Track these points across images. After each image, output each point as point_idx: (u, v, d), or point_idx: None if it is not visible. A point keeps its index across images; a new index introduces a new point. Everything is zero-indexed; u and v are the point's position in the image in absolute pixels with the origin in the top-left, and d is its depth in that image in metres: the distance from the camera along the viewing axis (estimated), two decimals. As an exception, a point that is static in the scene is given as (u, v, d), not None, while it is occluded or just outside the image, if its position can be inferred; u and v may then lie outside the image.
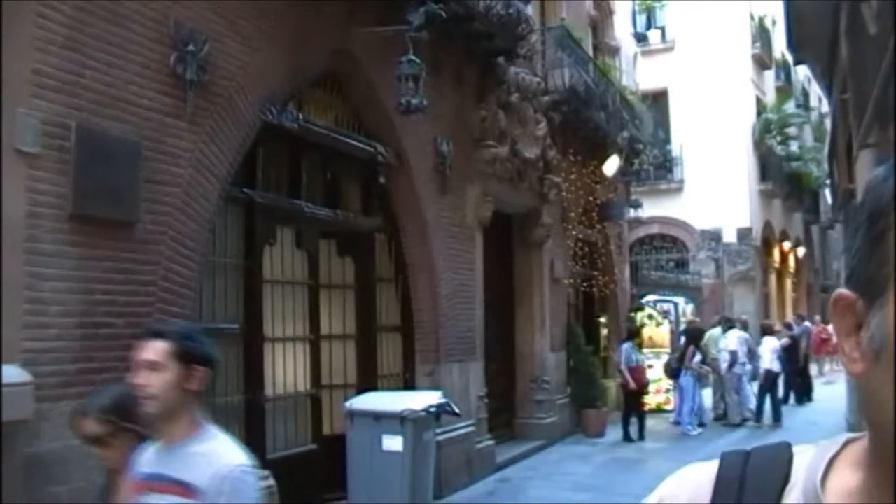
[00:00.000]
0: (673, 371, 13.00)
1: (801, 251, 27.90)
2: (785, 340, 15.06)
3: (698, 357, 12.88)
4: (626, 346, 12.41)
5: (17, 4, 4.14)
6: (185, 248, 5.21)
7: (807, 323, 20.52)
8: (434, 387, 7.97)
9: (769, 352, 13.50)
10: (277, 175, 6.71)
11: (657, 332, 14.74)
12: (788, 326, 17.32)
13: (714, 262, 22.07)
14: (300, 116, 6.55)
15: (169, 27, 5.10)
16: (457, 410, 6.86)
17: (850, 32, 6.18)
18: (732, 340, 13.41)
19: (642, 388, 12.42)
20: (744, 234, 22.17)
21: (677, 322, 15.27)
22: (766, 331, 14.49)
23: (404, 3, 7.17)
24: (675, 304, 15.85)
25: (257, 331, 6.37)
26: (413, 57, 6.75)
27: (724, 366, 13.24)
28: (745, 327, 14.69)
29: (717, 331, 14.09)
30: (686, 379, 12.66)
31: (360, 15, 7.19)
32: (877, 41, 4.18)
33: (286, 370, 7.05)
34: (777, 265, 25.75)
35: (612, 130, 13.54)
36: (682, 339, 13.64)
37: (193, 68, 5.22)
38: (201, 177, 5.37)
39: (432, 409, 6.32)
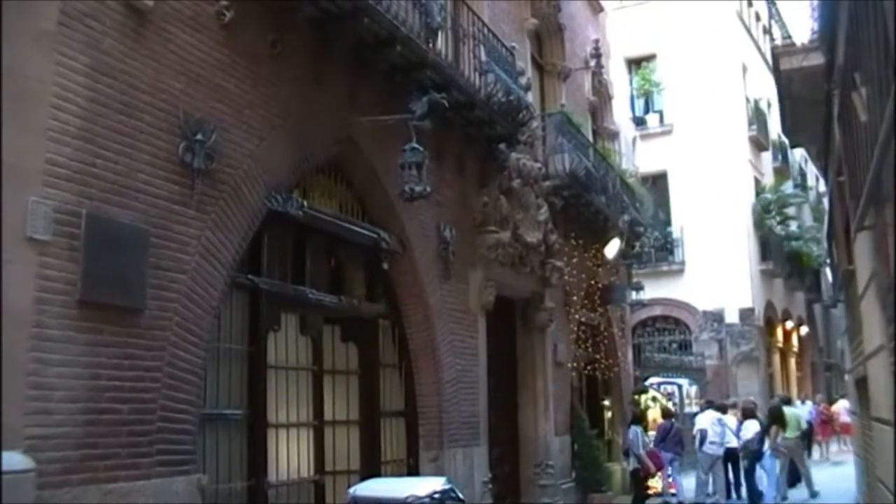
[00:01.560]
0: (754, 453, 12.59)
1: (804, 330, 27.77)
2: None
3: (781, 436, 12.73)
4: (634, 430, 12.23)
5: (35, 93, 4.27)
6: (191, 334, 5.21)
7: (808, 402, 20.24)
8: (438, 472, 7.87)
9: (752, 434, 12.80)
10: (282, 261, 6.75)
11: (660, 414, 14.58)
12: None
13: (717, 343, 21.89)
14: (305, 203, 6.64)
15: (179, 118, 5.23)
16: (462, 496, 6.73)
17: (843, 119, 6.32)
18: (704, 420, 12.94)
19: (654, 471, 12.29)
20: (746, 314, 22.05)
21: (681, 404, 15.11)
22: (748, 413, 13.38)
23: (407, 92, 7.37)
24: (679, 386, 15.74)
25: (261, 416, 6.31)
26: (416, 145, 6.89)
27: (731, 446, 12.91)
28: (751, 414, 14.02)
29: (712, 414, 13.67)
30: (769, 460, 12.57)
31: (364, 104, 7.36)
32: (868, 128, 4.28)
33: (290, 456, 6.95)
34: (780, 345, 25.55)
35: (612, 214, 13.68)
36: (740, 420, 13.35)
37: (201, 157, 5.33)
38: (207, 263, 5.41)
39: (437, 496, 6.20)
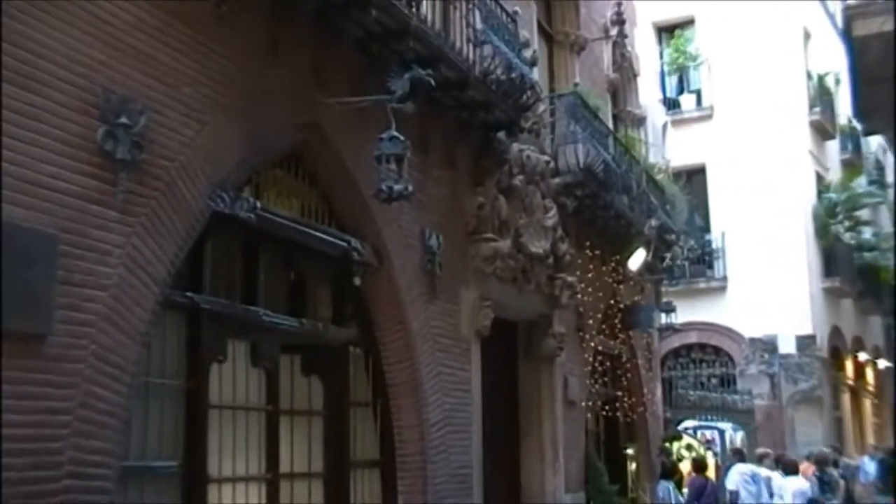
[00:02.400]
0: None
1: (882, 364, 27.04)
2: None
3: None
4: (664, 486, 12.19)
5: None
6: (111, 366, 5.14)
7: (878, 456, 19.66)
8: (421, 539, 7.83)
9: (791, 497, 12.00)
10: (229, 276, 6.72)
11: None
12: (832, 462, 15.62)
13: (768, 378, 21.71)
14: (257, 204, 6.60)
15: (97, 95, 5.17)
16: (450, 570, 6.69)
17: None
18: (734, 477, 12.57)
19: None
20: (805, 343, 21.70)
21: (723, 454, 15.07)
22: (789, 468, 12.75)
23: (385, 67, 7.35)
24: (721, 432, 15.69)
25: (200, 469, 6.25)
26: (395, 133, 6.85)
27: None
28: (825, 463, 13.70)
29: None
30: None
31: (331, 81, 7.35)
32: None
33: (235, 519, 6.88)
34: (851, 382, 24.97)
35: (637, 218, 13.74)
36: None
37: (126, 145, 5.27)
38: (134, 278, 5.35)
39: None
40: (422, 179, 8.63)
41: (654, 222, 14.28)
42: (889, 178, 28.24)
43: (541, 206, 11.05)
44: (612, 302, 13.70)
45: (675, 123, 21.12)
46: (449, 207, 9.33)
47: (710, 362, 22.30)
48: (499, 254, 9.80)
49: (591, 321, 12.77)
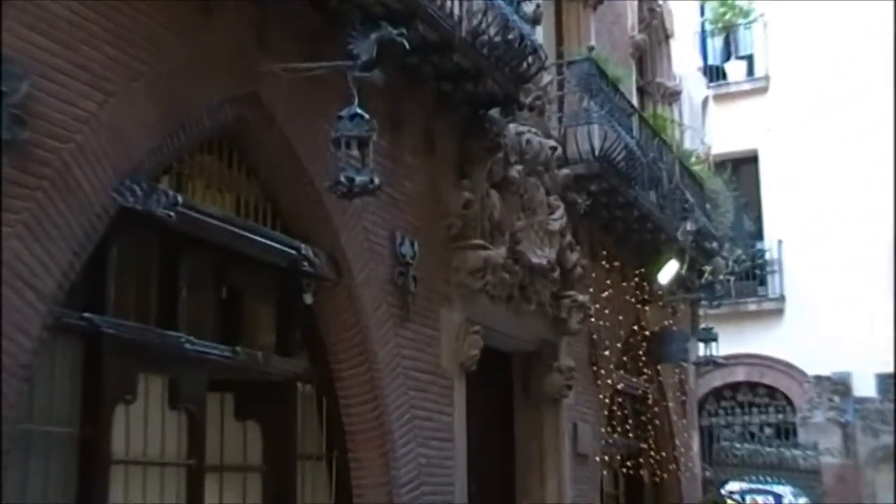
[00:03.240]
0: None
1: None
2: None
3: None
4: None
5: None
6: (-16, 407, 5.11)
7: None
8: None
9: None
10: (141, 291, 6.71)
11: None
12: None
13: (840, 428, 21.23)
14: (179, 199, 6.57)
15: (-34, 55, 5.15)
16: None
17: None
18: None
19: None
20: (889, 384, 21.13)
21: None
22: None
23: (345, 26, 7.35)
24: (778, 498, 15.68)
25: (99, 542, 6.21)
26: (358, 110, 6.85)
27: None
28: None
29: None
30: None
31: (278, 43, 7.37)
32: None
33: None
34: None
35: (667, 221, 13.84)
36: None
37: (4, 120, 5.25)
38: (13, 294, 5.32)
39: None
40: (392, 169, 8.66)
41: (689, 226, 14.35)
42: None
43: (544, 205, 11.11)
44: (635, 328, 13.74)
45: (720, 99, 21.22)
46: (427, 205, 9.37)
47: (762, 407, 22.36)
48: (490, 265, 9.82)
49: (608, 352, 12.82)
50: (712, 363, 16.75)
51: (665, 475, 14.50)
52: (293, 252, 7.75)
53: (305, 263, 7.84)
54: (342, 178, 6.86)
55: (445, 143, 9.70)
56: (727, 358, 18.19)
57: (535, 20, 10.13)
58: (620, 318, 13.18)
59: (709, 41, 24.01)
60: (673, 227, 13.96)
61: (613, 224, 12.94)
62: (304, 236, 7.90)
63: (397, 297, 8.80)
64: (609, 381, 12.91)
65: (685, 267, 14.34)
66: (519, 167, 10.58)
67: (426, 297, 9.19)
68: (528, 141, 10.82)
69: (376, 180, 6.97)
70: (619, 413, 13.34)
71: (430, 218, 9.39)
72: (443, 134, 9.65)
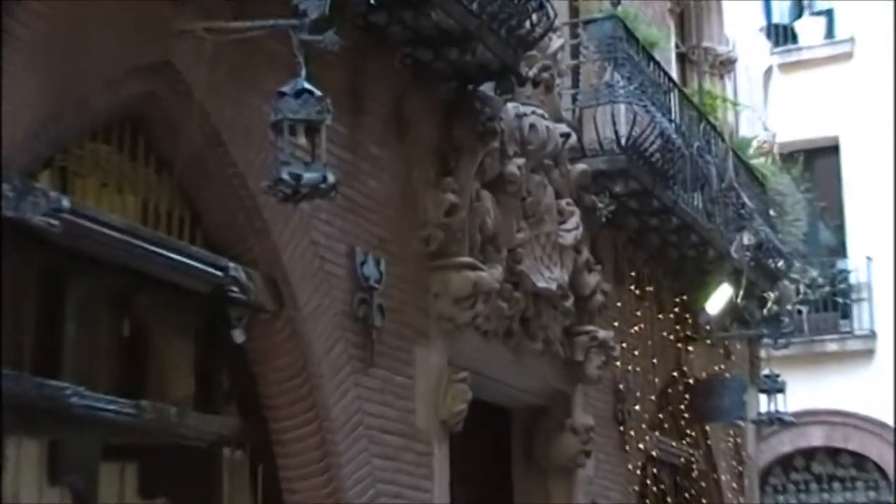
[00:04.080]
0: None
1: None
2: None
3: None
4: None
5: None
6: None
7: None
8: None
9: None
10: (14, 325, 6.70)
11: None
12: None
13: None
14: (64, 203, 6.59)
15: None
16: None
17: None
18: None
19: None
20: None
21: None
22: None
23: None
24: None
25: None
26: (307, 85, 6.89)
27: None
28: None
29: None
30: None
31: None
32: None
33: None
34: None
35: (718, 233, 13.88)
36: None
37: None
38: None
39: None
40: (352, 163, 8.73)
41: (747, 239, 14.37)
42: None
43: (553, 211, 11.19)
44: (675, 374, 13.75)
45: (789, 69, 21.28)
46: (398, 212, 9.44)
47: (847, 481, 22.30)
48: (482, 291, 9.84)
49: (638, 407, 12.86)
50: (779, 422, 16.75)
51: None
52: (218, 274, 7.73)
53: (235, 289, 7.82)
54: (285, 176, 6.88)
55: (422, 129, 9.76)
56: (799, 415, 18.13)
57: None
58: (655, 361, 13.18)
59: (772, -2, 24.06)
60: (725, 240, 13.97)
61: (645, 236, 12.96)
62: (233, 253, 7.92)
63: (358, 334, 8.83)
64: (640, 446, 12.93)
65: (741, 293, 14.34)
66: (520, 161, 10.63)
67: (396, 333, 9.23)
68: (533, 126, 10.86)
69: (330, 178, 6.98)
70: (653, 488, 13.29)
71: (401, 228, 9.44)
72: (419, 117, 9.71)
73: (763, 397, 15.92)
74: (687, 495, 14.29)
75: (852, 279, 22.46)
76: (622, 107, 11.96)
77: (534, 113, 10.93)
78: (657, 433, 13.42)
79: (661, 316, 13.30)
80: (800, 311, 19.58)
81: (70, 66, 6.57)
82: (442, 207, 9.70)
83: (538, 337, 10.93)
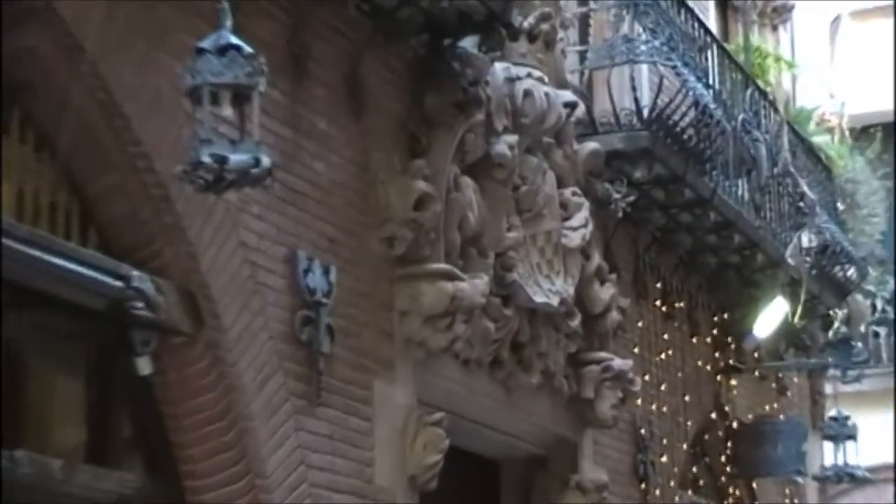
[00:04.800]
0: None
1: None
2: None
3: None
4: None
5: None
6: None
7: None
8: None
9: None
10: None
11: None
12: None
13: None
14: None
15: None
16: None
17: None
18: None
19: None
20: None
21: None
22: None
23: None
24: None
25: None
26: (235, 38, 6.91)
27: None
28: None
29: None
30: None
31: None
32: None
33: None
34: None
35: (769, 231, 13.90)
36: None
37: None
38: None
39: None
40: (293, 142, 8.75)
41: (808, 240, 14.43)
42: None
43: (555, 204, 11.23)
44: (713, 416, 13.75)
45: (862, 17, 21.31)
46: (352, 204, 9.47)
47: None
48: (461, 306, 9.86)
49: (665, 457, 12.92)
50: (849, 478, 16.76)
51: None
52: (117, 285, 7.70)
53: (139, 305, 7.78)
54: (205, 158, 6.88)
55: (385, 96, 9.80)
56: (874, 470, 18.21)
57: None
58: (687, 398, 13.21)
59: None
60: (778, 241, 14.01)
61: (675, 237, 12.99)
62: (136, 258, 7.93)
63: (300, 363, 8.85)
64: (669, 509, 13.03)
65: (800, 311, 14.37)
66: (511, 139, 10.63)
67: (351, 362, 9.26)
68: (528, 93, 10.87)
69: (265, 161, 7.01)
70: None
71: (357, 226, 9.48)
72: (380, 82, 9.74)
73: (828, 446, 15.93)
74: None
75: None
76: (644, 68, 12.01)
77: (529, 76, 10.93)
78: (690, 492, 13.46)
79: (695, 340, 13.33)
80: (876, 335, 19.63)
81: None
82: (410, 199, 9.70)
83: (535, 367, 10.94)
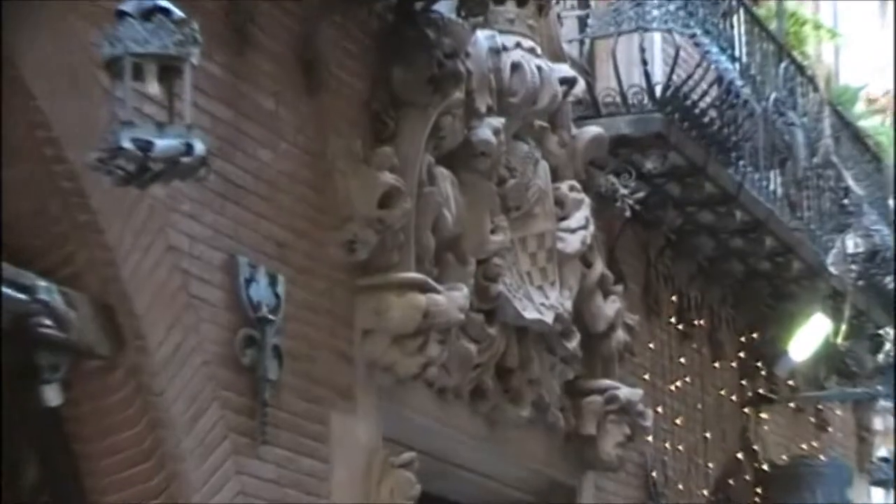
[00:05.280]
0: None
1: None
2: None
3: None
4: None
5: None
6: None
7: None
8: None
9: None
10: None
11: None
12: None
13: None
14: None
15: None
16: None
17: None
18: None
19: None
20: None
21: None
22: None
23: None
24: None
25: None
26: (161, 1, 6.91)
27: None
28: None
29: None
30: None
31: None
32: None
33: None
34: None
35: (807, 234, 13.88)
36: None
37: None
38: None
39: None
40: (234, 126, 8.73)
41: (853, 244, 14.44)
42: None
43: (548, 200, 11.23)
44: (739, 456, 13.77)
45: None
46: (305, 200, 9.46)
47: None
48: (437, 324, 9.88)
49: (682, 509, 12.91)
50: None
51: None
52: (20, 298, 7.68)
53: (47, 322, 7.78)
54: (125, 144, 6.88)
55: (344, 71, 9.81)
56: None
57: None
58: (708, 435, 13.22)
59: None
60: (818, 245, 14.02)
61: (693, 240, 12.99)
62: (43, 265, 7.91)
63: (242, 393, 8.84)
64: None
65: (844, 330, 14.37)
66: (497, 122, 10.65)
67: (303, 391, 9.24)
68: (517, 67, 10.89)
69: (199, 148, 7.01)
70: None
71: (311, 227, 9.47)
72: (338, 55, 9.75)
73: (877, 492, 15.97)
74: None
75: None
76: (656, 37, 12.01)
77: (519, 47, 10.93)
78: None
79: (717, 365, 13.34)
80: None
81: None
82: (374, 194, 9.70)
83: (525, 398, 10.94)
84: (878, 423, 16.97)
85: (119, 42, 6.80)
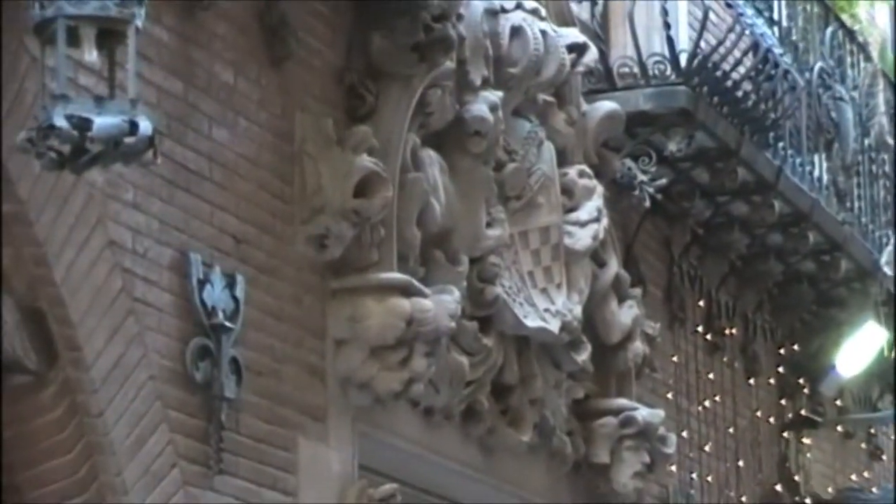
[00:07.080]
0: None
1: None
2: None
3: None
4: None
5: None
6: None
7: None
8: None
9: None
10: None
11: None
12: None
13: None
14: None
15: None
16: None
17: None
18: None
19: None
20: None
21: None
22: None
23: None
24: None
25: None
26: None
27: None
28: None
29: None
30: None
31: None
32: None
33: None
34: None
35: (857, 229, 13.89)
36: None
37: None
38: None
39: None
40: (185, 101, 8.73)
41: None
42: None
43: (555, 188, 11.26)
44: (777, 488, 13.79)
45: None
46: (268, 188, 9.48)
47: None
48: (423, 332, 9.90)
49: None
50: None
51: None
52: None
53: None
54: (59, 122, 6.92)
55: (315, 38, 9.83)
56: None
57: None
58: (741, 463, 13.25)
59: None
60: (870, 242, 14.04)
61: (723, 236, 13.01)
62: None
63: (194, 414, 8.87)
64: None
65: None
66: (494, 96, 10.68)
67: (265, 411, 9.26)
68: (517, 31, 10.92)
69: (144, 126, 7.04)
70: None
71: (274, 219, 9.49)
72: (309, 18, 9.76)
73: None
74: None
75: None
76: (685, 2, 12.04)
77: (520, 8, 10.93)
78: None
79: (752, 381, 13.35)
80: None
81: None
82: (349, 181, 9.72)
83: (526, 420, 10.96)
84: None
85: (50, 2, 6.82)
